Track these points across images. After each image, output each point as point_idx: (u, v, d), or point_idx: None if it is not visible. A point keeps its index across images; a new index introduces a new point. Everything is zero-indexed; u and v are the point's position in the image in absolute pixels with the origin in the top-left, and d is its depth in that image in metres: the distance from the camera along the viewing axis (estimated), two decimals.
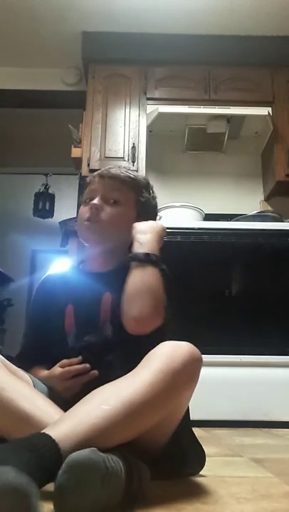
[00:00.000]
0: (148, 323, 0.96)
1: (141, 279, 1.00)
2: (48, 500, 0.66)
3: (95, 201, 1.12)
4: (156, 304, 0.99)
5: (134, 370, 0.83)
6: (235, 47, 3.17)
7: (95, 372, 0.96)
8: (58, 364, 1.01)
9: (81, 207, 1.18)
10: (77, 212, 1.27)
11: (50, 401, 0.92)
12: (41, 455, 0.62)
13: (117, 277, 1.09)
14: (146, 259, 1.02)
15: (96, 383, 0.83)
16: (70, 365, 0.98)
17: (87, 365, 0.97)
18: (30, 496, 0.54)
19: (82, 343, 1.03)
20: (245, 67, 3.14)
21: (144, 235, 1.08)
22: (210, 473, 0.98)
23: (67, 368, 0.98)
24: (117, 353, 1.00)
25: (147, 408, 0.76)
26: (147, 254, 1.03)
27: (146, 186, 1.20)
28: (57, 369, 1.00)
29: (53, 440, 0.66)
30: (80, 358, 0.98)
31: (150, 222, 1.13)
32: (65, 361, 0.99)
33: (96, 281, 1.12)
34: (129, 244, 1.16)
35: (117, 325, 1.03)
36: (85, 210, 1.15)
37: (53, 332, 1.09)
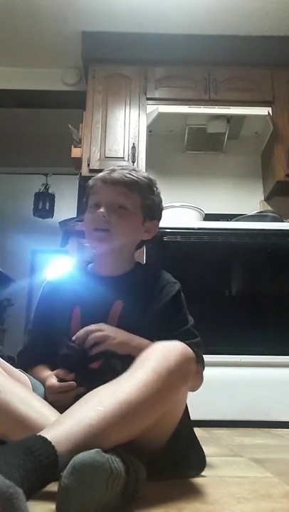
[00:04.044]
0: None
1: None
2: (49, 500, 0.66)
3: (102, 209, 1.10)
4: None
5: (128, 371, 0.83)
6: (235, 47, 3.17)
7: (81, 388, 0.95)
8: (53, 372, 1.01)
9: (86, 213, 1.16)
10: (77, 211, 1.27)
11: (47, 403, 0.92)
12: (36, 457, 0.62)
13: (128, 283, 1.10)
14: None
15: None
16: (63, 377, 0.98)
17: (74, 383, 0.96)
18: (15, 502, 0.53)
19: (60, 355, 1.01)
20: (245, 67, 3.14)
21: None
22: (210, 473, 0.98)
23: (52, 384, 0.98)
24: (112, 363, 0.99)
25: (143, 408, 0.77)
26: None
27: (150, 186, 1.17)
28: (50, 379, 0.99)
29: (49, 442, 0.66)
30: (72, 375, 0.97)
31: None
32: (59, 372, 0.99)
33: (107, 286, 1.11)
34: (137, 242, 1.20)
35: None
36: (91, 218, 1.12)
37: (58, 333, 1.08)
